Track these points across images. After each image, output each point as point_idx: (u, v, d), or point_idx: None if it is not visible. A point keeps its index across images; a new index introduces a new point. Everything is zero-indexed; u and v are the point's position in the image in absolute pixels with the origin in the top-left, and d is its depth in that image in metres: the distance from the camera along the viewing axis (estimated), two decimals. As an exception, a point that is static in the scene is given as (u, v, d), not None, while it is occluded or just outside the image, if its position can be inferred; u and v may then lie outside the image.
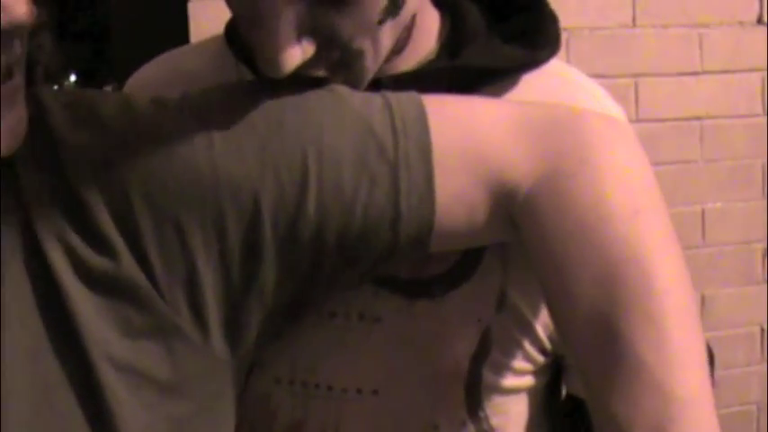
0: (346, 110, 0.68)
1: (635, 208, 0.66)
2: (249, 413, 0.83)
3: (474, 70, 0.78)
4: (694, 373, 0.60)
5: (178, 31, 1.94)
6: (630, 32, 2.22)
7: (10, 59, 0.56)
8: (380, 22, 0.69)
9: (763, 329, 2.43)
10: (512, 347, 0.80)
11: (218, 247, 0.64)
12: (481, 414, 0.81)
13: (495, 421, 0.82)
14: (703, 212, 2.33)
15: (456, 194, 0.67)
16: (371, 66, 0.72)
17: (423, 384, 0.80)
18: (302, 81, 0.69)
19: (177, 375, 0.64)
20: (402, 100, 0.69)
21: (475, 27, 0.81)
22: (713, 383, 0.68)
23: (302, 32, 0.66)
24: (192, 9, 1.87)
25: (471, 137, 0.69)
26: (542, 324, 0.80)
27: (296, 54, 0.66)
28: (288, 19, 0.65)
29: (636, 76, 2.23)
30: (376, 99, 0.69)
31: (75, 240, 0.62)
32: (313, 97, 0.68)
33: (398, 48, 0.76)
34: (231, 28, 0.84)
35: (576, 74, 0.87)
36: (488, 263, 0.78)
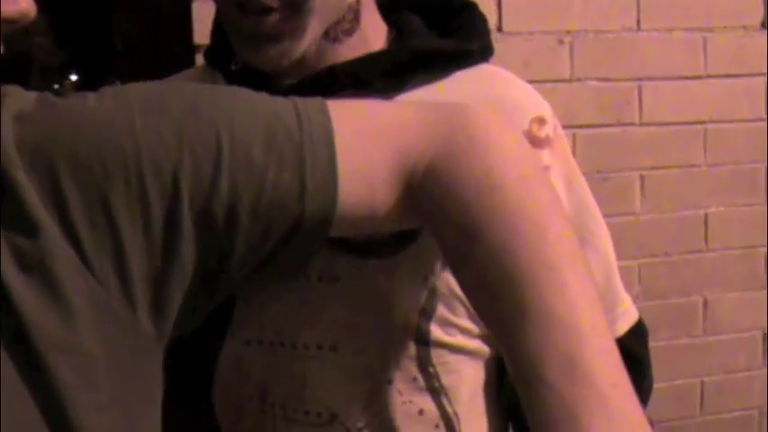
0: (255, 98, 0.75)
1: (521, 175, 0.74)
2: (223, 376, 0.92)
3: (410, 52, 0.89)
4: (592, 309, 0.68)
5: (182, 32, 1.93)
6: (634, 36, 2.22)
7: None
8: None
9: (765, 334, 2.43)
10: (456, 305, 0.90)
11: (142, 223, 0.68)
12: (431, 370, 0.90)
13: (445, 380, 0.91)
14: (706, 217, 2.33)
15: (357, 174, 0.74)
16: (317, 23, 0.83)
17: (377, 338, 0.89)
18: (251, 11, 0.82)
19: (111, 351, 0.67)
20: (305, 98, 0.76)
21: (414, 26, 0.93)
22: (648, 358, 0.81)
23: None
24: (196, 9, 1.87)
25: (369, 124, 0.77)
26: None
27: None
28: None
29: (639, 79, 2.23)
30: (279, 97, 0.76)
31: (11, 228, 0.64)
32: (224, 88, 0.76)
33: (346, 29, 0.87)
34: (210, 52, 0.98)
35: (509, 73, 0.96)
36: None
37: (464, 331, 0.90)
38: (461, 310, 0.89)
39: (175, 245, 0.69)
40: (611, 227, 2.23)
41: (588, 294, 0.69)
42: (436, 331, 0.89)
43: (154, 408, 0.73)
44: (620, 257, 2.25)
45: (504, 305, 0.69)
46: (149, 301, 0.69)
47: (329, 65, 0.88)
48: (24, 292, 0.63)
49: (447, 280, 0.88)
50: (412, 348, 0.89)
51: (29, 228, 0.64)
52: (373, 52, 0.90)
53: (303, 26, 0.83)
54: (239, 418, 0.92)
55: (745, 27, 2.30)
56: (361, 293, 0.88)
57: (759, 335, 2.43)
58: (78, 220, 0.66)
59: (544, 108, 0.93)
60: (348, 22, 0.87)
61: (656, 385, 2.31)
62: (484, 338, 0.92)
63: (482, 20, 0.95)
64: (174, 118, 0.70)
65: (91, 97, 0.71)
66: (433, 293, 0.88)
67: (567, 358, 0.64)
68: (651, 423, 0.66)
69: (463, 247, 0.72)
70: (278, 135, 0.72)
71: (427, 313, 0.88)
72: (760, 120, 2.34)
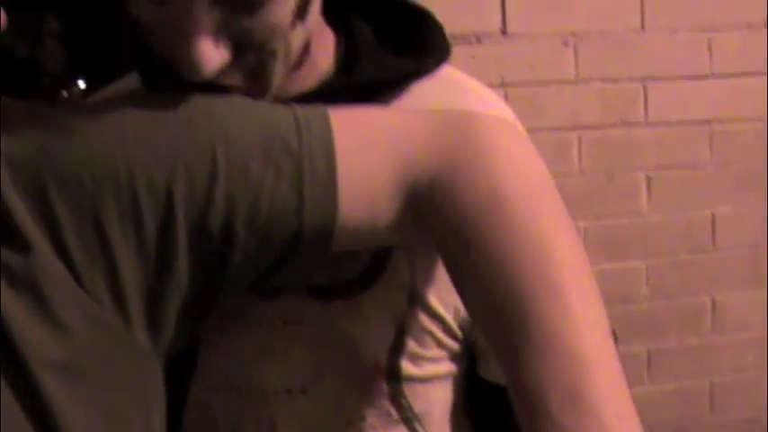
0: (252, 108, 0.73)
1: (528, 191, 0.71)
2: (190, 422, 0.89)
3: (367, 84, 0.85)
4: (598, 336, 0.65)
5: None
6: (639, 36, 2.22)
7: None
8: (292, 25, 0.74)
9: (773, 334, 2.42)
10: (425, 338, 0.87)
11: (135, 238, 0.67)
12: (404, 402, 0.88)
13: (418, 408, 0.89)
14: (713, 216, 2.33)
15: (358, 187, 0.72)
16: (281, 70, 0.77)
17: (347, 380, 0.86)
18: (212, 91, 0.73)
19: (106, 367, 0.66)
20: (305, 107, 0.74)
21: (366, 43, 0.88)
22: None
23: (219, 37, 0.71)
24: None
25: (371, 134, 0.74)
26: (452, 313, 0.87)
27: (215, 58, 0.70)
28: (205, 25, 0.70)
29: (645, 79, 2.23)
30: (279, 105, 0.74)
31: (0, 245, 0.63)
32: (221, 98, 0.73)
33: (297, 63, 0.81)
34: (140, 61, 0.89)
35: (467, 79, 0.92)
36: (396, 263, 0.85)
37: (433, 360, 0.89)
38: (431, 342, 0.87)
39: (170, 259, 0.67)
40: (617, 228, 2.25)
41: (594, 321, 0.66)
42: (407, 367, 0.87)
43: (155, 422, 0.72)
44: (627, 258, 2.29)
45: (508, 328, 0.66)
46: (144, 315, 0.68)
47: (280, 102, 0.82)
48: (14, 309, 0.62)
49: (415, 316, 0.86)
50: (383, 386, 0.87)
51: (18, 244, 0.64)
52: (326, 85, 0.85)
53: (269, 89, 0.78)
54: None
55: (749, 25, 2.29)
56: (327, 336, 0.85)
57: (767, 334, 2.42)
58: (69, 236, 0.65)
59: (504, 117, 0.88)
60: (300, 57, 0.81)
61: (664, 386, 2.33)
62: (451, 358, 0.90)
63: (438, 29, 0.90)
64: (168, 129, 0.68)
65: (83, 108, 0.70)
66: (402, 330, 0.86)
67: (570, 389, 0.62)
68: None
69: (466, 264, 0.70)
70: (276, 146, 0.70)
71: (397, 350, 0.86)
72: (766, 119, 2.33)
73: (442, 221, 0.72)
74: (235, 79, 0.74)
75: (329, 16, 0.87)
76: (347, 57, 0.87)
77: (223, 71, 0.72)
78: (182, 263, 0.68)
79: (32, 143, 0.66)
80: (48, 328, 0.63)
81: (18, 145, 0.66)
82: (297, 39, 0.76)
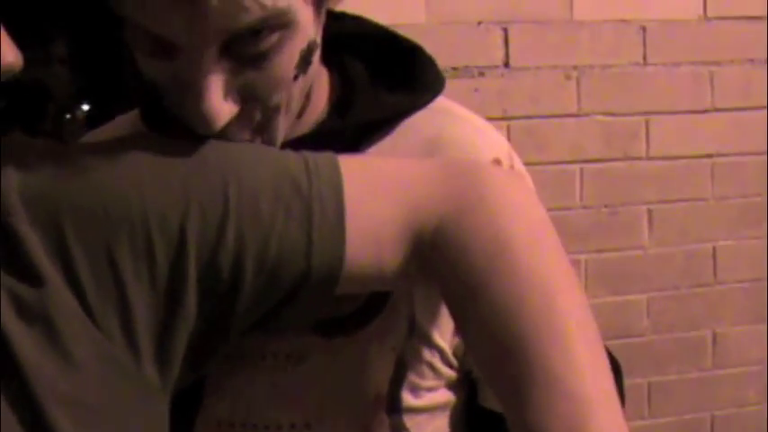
0: (263, 151, 0.75)
1: (532, 238, 0.72)
2: None
3: (366, 123, 0.86)
4: (601, 380, 0.66)
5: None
6: (641, 71, 2.23)
7: None
8: (295, 78, 0.76)
9: (774, 367, 2.42)
10: (423, 368, 0.88)
11: (147, 275, 0.68)
12: None
13: None
14: (714, 250, 2.33)
15: (366, 232, 0.73)
16: (284, 123, 0.79)
17: (349, 413, 0.87)
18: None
19: (114, 402, 0.67)
20: (315, 152, 0.76)
21: (360, 81, 0.89)
22: (622, 396, 0.77)
23: (227, 92, 0.73)
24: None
25: (379, 181, 0.76)
26: (448, 342, 0.88)
27: (224, 111, 0.72)
28: (214, 78, 0.71)
29: (647, 114, 2.25)
30: (290, 151, 0.76)
31: (13, 278, 0.64)
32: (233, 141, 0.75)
33: (300, 112, 0.82)
34: (144, 105, 0.89)
35: (460, 108, 0.93)
36: (396, 296, 0.86)
37: (431, 389, 0.90)
38: (429, 373, 0.89)
39: (180, 296, 0.68)
40: (619, 261, 2.25)
41: (597, 365, 0.67)
42: (407, 398, 0.88)
43: None
44: (628, 291, 2.29)
45: (512, 372, 0.67)
46: (154, 351, 0.68)
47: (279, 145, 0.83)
48: (25, 342, 0.63)
49: (414, 347, 0.87)
50: (385, 419, 0.88)
51: (31, 278, 0.64)
52: (322, 127, 0.86)
53: (275, 143, 0.79)
54: None
55: (751, 60, 2.31)
56: (330, 371, 0.86)
57: (768, 368, 2.42)
58: (82, 272, 0.66)
59: (499, 148, 0.90)
60: (302, 104, 0.83)
61: (665, 419, 2.33)
62: (449, 387, 0.92)
63: (430, 62, 0.91)
64: (182, 168, 0.70)
65: (98, 147, 0.71)
66: (402, 363, 0.87)
67: (573, 429, 0.63)
68: None
69: (471, 309, 0.71)
70: (286, 188, 0.71)
71: (397, 382, 0.87)
72: (766, 153, 2.34)
73: (447, 268, 0.73)
74: (242, 135, 0.76)
75: (322, 54, 0.88)
76: (341, 97, 0.88)
77: (230, 127, 0.74)
78: (191, 300, 0.69)
79: (48, 180, 0.67)
80: (58, 362, 0.64)
81: (34, 181, 0.67)
82: (298, 91, 0.78)
